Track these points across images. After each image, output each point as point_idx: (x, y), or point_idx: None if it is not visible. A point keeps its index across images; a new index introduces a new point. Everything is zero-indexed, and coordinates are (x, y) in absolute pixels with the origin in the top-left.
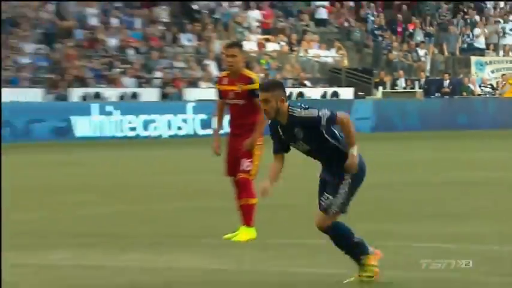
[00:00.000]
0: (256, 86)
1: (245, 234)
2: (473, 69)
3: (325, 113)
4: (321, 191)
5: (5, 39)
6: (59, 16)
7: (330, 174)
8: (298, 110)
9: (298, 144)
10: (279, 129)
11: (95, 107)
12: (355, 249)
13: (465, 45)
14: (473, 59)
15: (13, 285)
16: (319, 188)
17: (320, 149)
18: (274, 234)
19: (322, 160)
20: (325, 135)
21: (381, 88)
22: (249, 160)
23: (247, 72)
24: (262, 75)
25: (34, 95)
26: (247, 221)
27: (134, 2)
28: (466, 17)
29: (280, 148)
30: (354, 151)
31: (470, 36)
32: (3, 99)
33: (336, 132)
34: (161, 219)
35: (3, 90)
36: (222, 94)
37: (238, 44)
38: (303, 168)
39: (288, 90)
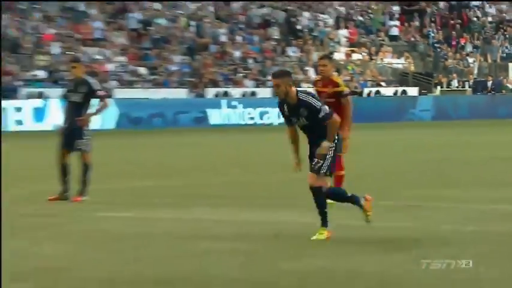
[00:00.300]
0: (341, 88)
1: None
2: (511, 73)
3: (325, 109)
4: (310, 161)
5: (158, 52)
6: (198, 35)
7: (316, 146)
8: (305, 95)
9: (300, 120)
10: (285, 107)
11: (224, 102)
12: (322, 213)
13: (504, 55)
14: (511, 65)
15: (153, 236)
16: (310, 154)
17: (315, 125)
18: None
19: (313, 135)
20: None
21: (439, 87)
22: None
23: (335, 77)
24: (348, 78)
25: (180, 93)
26: (335, 186)
27: (253, 23)
28: (505, 33)
29: (289, 122)
30: (327, 144)
31: (508, 47)
32: (157, 97)
33: None
34: (274, 186)
35: (159, 90)
36: (318, 94)
37: (328, 56)
38: (381, 148)
39: (367, 89)
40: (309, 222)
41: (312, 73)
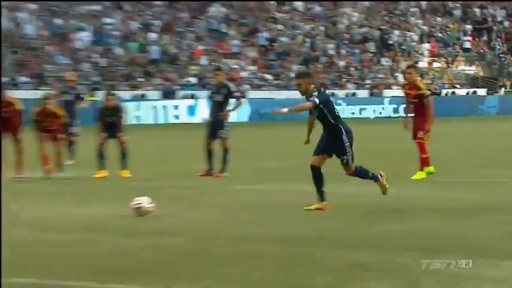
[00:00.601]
0: (423, 91)
1: (419, 175)
2: None
3: (313, 98)
4: (321, 143)
5: (281, 63)
6: (312, 49)
7: (331, 141)
8: (317, 92)
9: (313, 111)
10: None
11: None
12: (370, 178)
13: None
14: None
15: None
16: (320, 140)
17: (321, 119)
18: (440, 175)
19: (323, 127)
20: (325, 112)
21: (503, 88)
22: (422, 131)
23: (418, 82)
24: (429, 81)
25: (298, 94)
26: (421, 167)
27: (355, 39)
28: None
29: (310, 112)
30: (286, 110)
31: None
32: (280, 97)
33: (337, 113)
34: (370, 167)
35: (281, 92)
36: (405, 95)
37: (413, 66)
38: (456, 137)
39: (445, 91)
40: (401, 195)
41: (400, 78)
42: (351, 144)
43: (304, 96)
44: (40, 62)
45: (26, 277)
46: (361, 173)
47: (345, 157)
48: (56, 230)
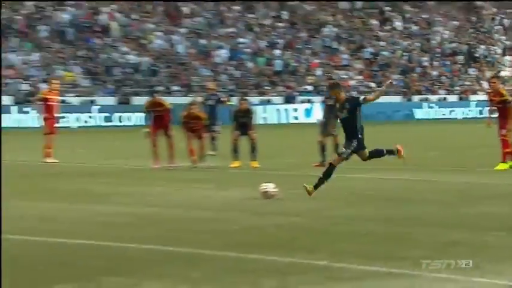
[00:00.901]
0: (505, 98)
1: (501, 166)
2: None
3: (362, 97)
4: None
5: (383, 73)
6: (409, 61)
7: (347, 141)
8: (350, 96)
9: (343, 112)
10: (337, 106)
11: (425, 104)
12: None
13: None
14: None
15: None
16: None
17: (350, 119)
18: None
19: (347, 129)
20: (357, 114)
21: None
22: (505, 130)
23: (501, 89)
24: (511, 88)
25: (396, 98)
26: (503, 159)
27: (446, 53)
28: None
29: (335, 116)
30: (378, 94)
31: None
32: (382, 101)
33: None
34: (463, 159)
35: (382, 96)
36: (489, 101)
37: (496, 76)
38: None
39: None
40: (485, 182)
41: (485, 85)
42: (357, 146)
43: (337, 104)
44: (188, 74)
45: (179, 247)
46: (328, 171)
47: (343, 149)
48: (199, 209)
